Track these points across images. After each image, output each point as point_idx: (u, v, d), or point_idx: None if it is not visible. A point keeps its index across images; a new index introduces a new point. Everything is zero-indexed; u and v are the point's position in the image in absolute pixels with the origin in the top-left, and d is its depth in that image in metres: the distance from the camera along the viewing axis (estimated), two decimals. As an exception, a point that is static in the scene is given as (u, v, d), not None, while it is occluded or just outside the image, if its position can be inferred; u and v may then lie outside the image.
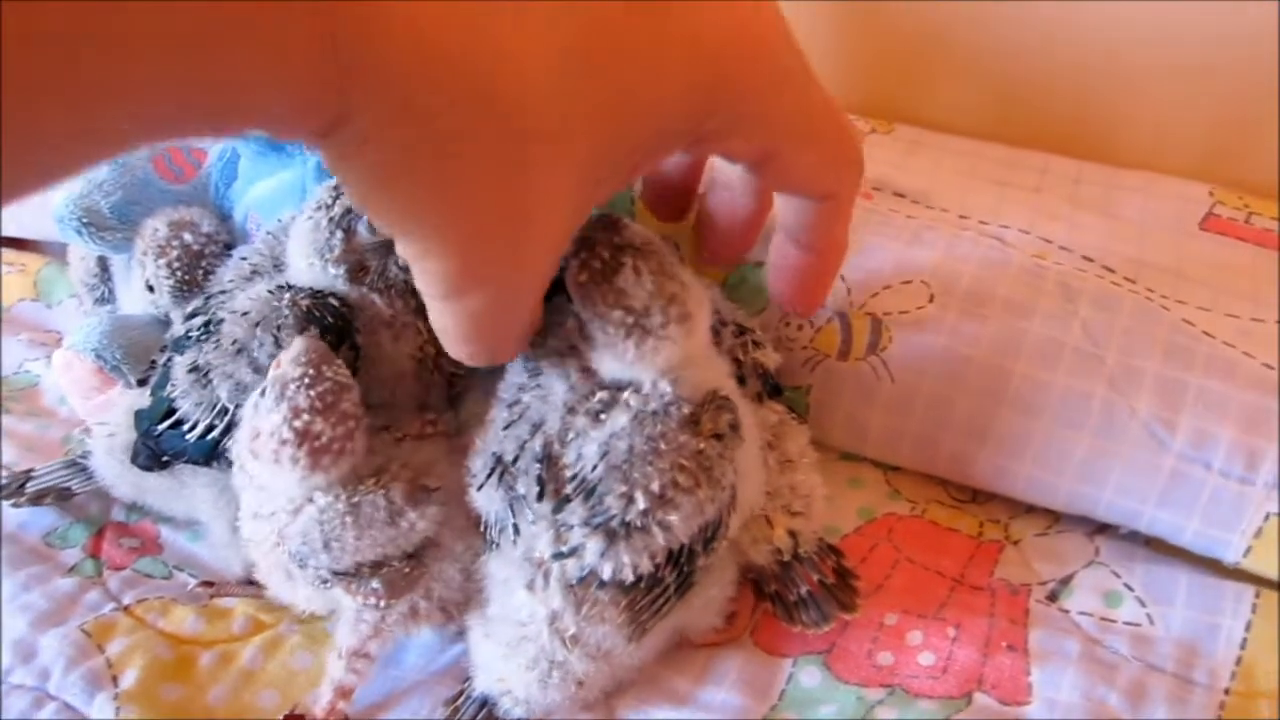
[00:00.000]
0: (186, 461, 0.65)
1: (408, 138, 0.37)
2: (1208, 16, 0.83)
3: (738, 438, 0.55)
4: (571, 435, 0.55)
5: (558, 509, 0.54)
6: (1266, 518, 0.65)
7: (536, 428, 0.55)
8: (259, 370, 0.60)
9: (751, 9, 0.48)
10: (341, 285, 0.62)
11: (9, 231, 1.01)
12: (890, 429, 0.74)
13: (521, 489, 0.55)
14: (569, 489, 0.54)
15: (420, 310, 0.60)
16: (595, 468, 0.54)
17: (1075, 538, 0.72)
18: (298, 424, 0.55)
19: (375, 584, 0.58)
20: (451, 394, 0.67)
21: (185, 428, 0.63)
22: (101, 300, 0.84)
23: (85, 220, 0.75)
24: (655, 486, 0.52)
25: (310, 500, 0.57)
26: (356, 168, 0.39)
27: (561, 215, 0.45)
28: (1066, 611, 0.66)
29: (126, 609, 0.68)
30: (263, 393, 0.57)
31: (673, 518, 0.53)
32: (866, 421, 0.74)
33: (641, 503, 0.52)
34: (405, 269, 0.61)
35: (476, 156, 0.39)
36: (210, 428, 0.63)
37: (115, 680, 0.63)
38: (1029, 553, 0.71)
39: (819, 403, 0.75)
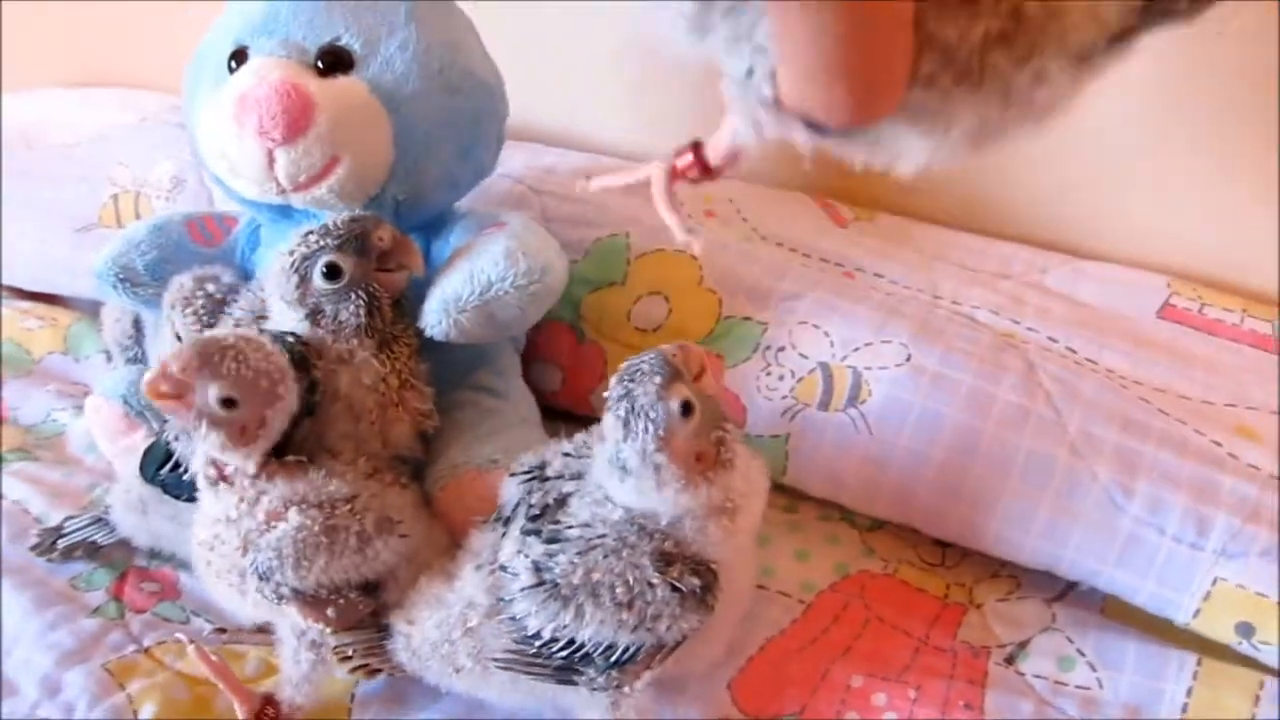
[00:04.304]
0: (186, 500, 0.70)
1: None
2: (1176, 116, 0.89)
3: (703, 606, 0.59)
4: (595, 484, 0.61)
5: (529, 532, 0.62)
6: (1214, 582, 0.71)
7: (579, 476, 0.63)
8: None
9: None
10: (304, 327, 0.70)
11: (42, 288, 1.07)
12: (868, 480, 0.79)
13: (534, 500, 0.63)
14: (545, 527, 0.62)
15: (380, 347, 0.70)
16: (572, 528, 0.61)
17: (1035, 604, 0.76)
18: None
19: (330, 611, 0.64)
20: (425, 436, 0.73)
21: (181, 469, 0.69)
22: (134, 360, 0.90)
23: (122, 277, 0.81)
24: (595, 576, 0.59)
25: (285, 517, 0.63)
26: None
27: None
28: (1022, 674, 0.71)
29: (146, 651, 0.73)
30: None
31: (588, 611, 0.59)
32: (844, 472, 0.79)
33: (577, 579, 0.59)
34: (357, 314, 0.69)
35: None
36: None
37: (135, 715, 0.67)
38: (990, 617, 0.75)
39: (797, 451, 0.80)
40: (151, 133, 1.09)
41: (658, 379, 0.58)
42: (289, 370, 0.64)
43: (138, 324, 0.89)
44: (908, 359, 0.79)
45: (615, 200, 0.94)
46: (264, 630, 0.72)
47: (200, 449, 0.65)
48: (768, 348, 0.82)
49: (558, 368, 0.88)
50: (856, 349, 0.80)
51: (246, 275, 0.83)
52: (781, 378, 0.81)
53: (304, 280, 0.69)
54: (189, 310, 0.79)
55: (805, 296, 0.84)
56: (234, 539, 0.64)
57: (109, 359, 0.96)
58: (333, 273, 0.69)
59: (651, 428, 0.57)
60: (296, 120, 0.71)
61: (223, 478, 0.64)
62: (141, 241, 0.82)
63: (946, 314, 0.84)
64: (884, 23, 0.45)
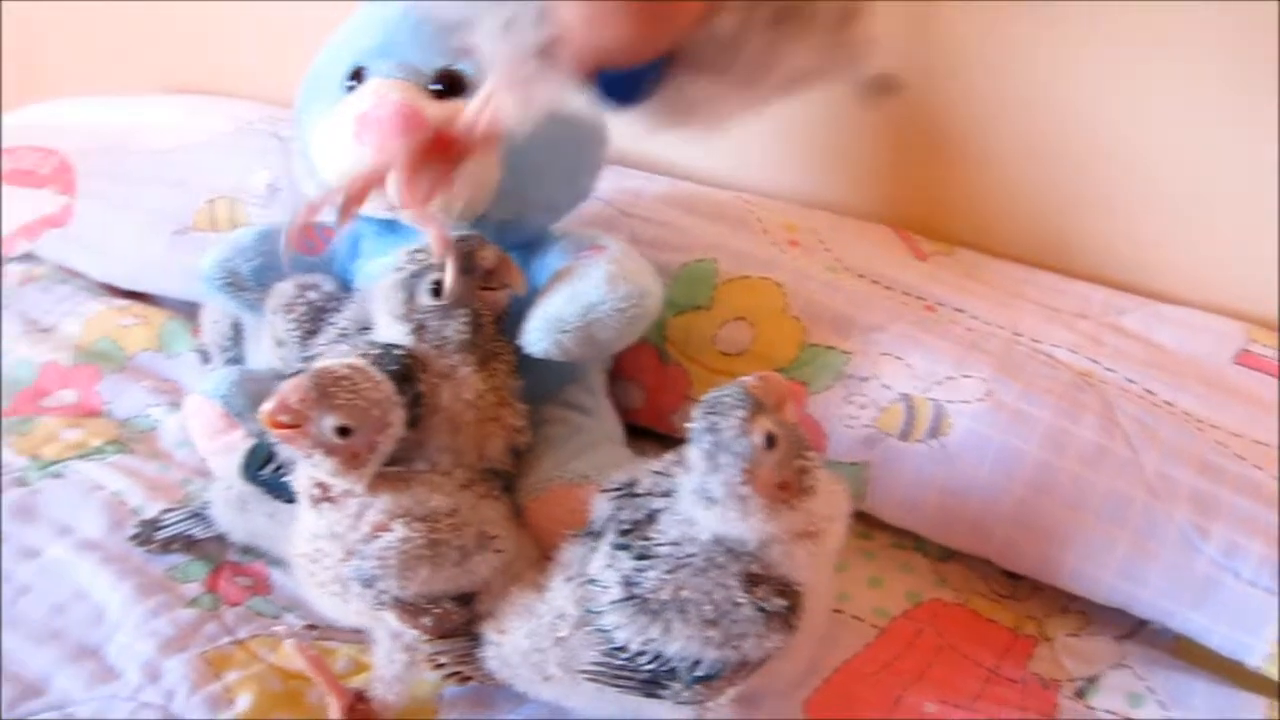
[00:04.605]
0: (286, 500, 0.73)
1: None
2: (1256, 164, 0.90)
3: (787, 627, 0.61)
4: (683, 502, 0.62)
5: (619, 547, 0.63)
6: (1288, 627, 0.72)
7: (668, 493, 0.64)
8: None
9: None
10: (409, 341, 0.72)
11: (138, 287, 1.11)
12: (947, 510, 0.80)
13: (624, 516, 0.65)
14: (635, 542, 0.63)
15: (480, 364, 0.72)
16: (662, 545, 0.62)
17: (1105, 640, 0.78)
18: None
19: (427, 619, 0.67)
20: (516, 450, 0.76)
21: (281, 470, 0.72)
22: (233, 361, 0.93)
23: (228, 280, 0.85)
24: (684, 593, 0.60)
25: (389, 528, 0.65)
26: None
27: None
28: (1092, 709, 0.72)
29: (241, 643, 0.75)
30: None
31: (675, 627, 0.61)
32: (924, 501, 0.81)
33: (665, 595, 0.61)
34: (461, 331, 0.72)
35: None
36: None
37: (232, 704, 0.70)
38: (1060, 651, 0.77)
39: (876, 479, 0.82)
40: (249, 141, 1.13)
41: (741, 412, 0.59)
42: (397, 398, 0.66)
43: (236, 327, 0.93)
44: (988, 394, 0.81)
45: (701, 226, 0.97)
46: (354, 629, 0.74)
47: (304, 469, 0.67)
48: (850, 377, 0.84)
49: (640, 387, 0.90)
50: (938, 382, 0.82)
51: (345, 284, 0.86)
52: (864, 407, 0.83)
53: (410, 296, 0.72)
54: (290, 316, 0.82)
55: (888, 328, 0.86)
56: (337, 551, 0.67)
57: (203, 359, 1.00)
58: (439, 290, 0.72)
59: (737, 461, 0.59)
60: (413, 141, 0.74)
61: (328, 498, 0.67)
62: (248, 248, 0.85)
63: (1026, 351, 0.85)
64: None
